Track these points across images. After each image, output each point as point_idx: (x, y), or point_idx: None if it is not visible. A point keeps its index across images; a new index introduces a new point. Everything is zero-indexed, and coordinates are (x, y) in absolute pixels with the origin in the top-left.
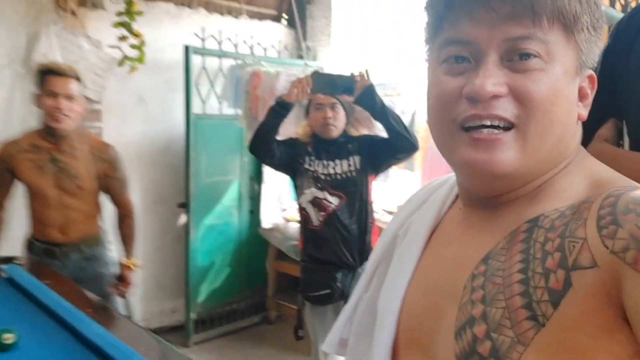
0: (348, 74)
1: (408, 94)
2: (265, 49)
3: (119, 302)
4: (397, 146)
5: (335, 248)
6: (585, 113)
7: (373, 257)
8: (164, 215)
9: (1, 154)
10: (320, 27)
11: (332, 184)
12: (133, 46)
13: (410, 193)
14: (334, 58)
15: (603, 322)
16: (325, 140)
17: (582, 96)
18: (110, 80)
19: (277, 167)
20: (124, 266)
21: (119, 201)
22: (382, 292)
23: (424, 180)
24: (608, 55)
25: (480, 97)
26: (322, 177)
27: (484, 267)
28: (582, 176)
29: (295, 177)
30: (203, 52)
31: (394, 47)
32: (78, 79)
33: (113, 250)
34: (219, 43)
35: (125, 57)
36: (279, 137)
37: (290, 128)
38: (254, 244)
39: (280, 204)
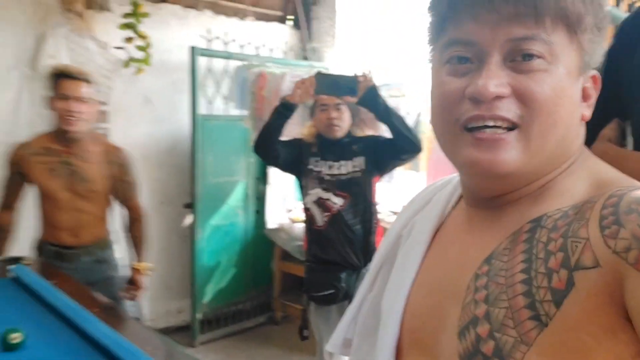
0: (351, 74)
1: (413, 95)
2: (270, 50)
3: (129, 305)
4: (400, 147)
5: (340, 248)
6: (588, 113)
7: (377, 258)
8: (170, 215)
9: (12, 156)
10: (326, 28)
11: (337, 185)
12: (139, 47)
13: (415, 193)
14: (339, 59)
15: (606, 322)
16: (330, 140)
17: (585, 96)
18: (117, 81)
19: (282, 167)
20: (135, 270)
21: (130, 205)
22: (386, 292)
23: (429, 180)
24: (612, 55)
25: (483, 97)
26: (327, 177)
27: (487, 267)
28: (585, 176)
29: (301, 178)
30: (209, 53)
31: (399, 48)
32: (90, 82)
33: (120, 251)
34: (225, 44)
35: (131, 59)
36: (284, 138)
37: (296, 129)
38: (260, 244)
39: (285, 204)
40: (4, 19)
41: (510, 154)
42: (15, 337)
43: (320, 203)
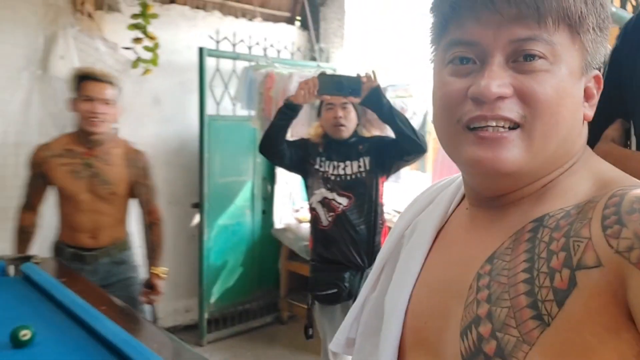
0: (355, 75)
1: (420, 95)
2: (278, 51)
3: (145, 308)
4: (404, 148)
5: (344, 248)
6: (591, 113)
7: (380, 257)
8: (178, 215)
9: (34, 158)
10: (333, 29)
11: (342, 185)
12: (146, 48)
13: (418, 193)
14: (346, 60)
15: (608, 321)
16: (336, 141)
17: (588, 96)
18: (125, 81)
19: (288, 167)
20: (153, 274)
21: (148, 208)
22: (389, 292)
23: (435, 181)
24: (616, 55)
25: (486, 98)
26: (332, 177)
27: (490, 266)
28: (587, 176)
29: (307, 178)
30: (217, 54)
31: (406, 48)
32: (114, 84)
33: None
34: (233, 45)
35: (139, 59)
36: (290, 138)
37: (303, 129)
38: (267, 244)
39: (292, 204)
40: (15, 20)
41: (513, 152)
42: (25, 334)
43: (325, 203)
